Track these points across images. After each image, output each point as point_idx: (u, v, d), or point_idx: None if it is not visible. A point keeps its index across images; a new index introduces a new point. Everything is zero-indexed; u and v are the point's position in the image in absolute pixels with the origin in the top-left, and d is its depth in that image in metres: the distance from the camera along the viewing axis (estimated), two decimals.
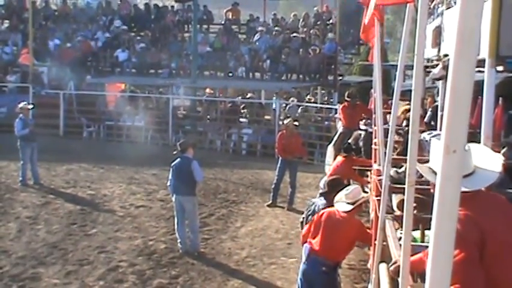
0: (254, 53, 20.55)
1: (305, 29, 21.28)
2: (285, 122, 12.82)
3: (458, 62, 1.33)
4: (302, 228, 6.75)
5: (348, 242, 6.08)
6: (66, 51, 20.78)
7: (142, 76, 20.88)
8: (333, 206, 6.19)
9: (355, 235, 6.03)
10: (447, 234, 1.36)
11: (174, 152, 9.59)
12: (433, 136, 5.25)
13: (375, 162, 7.20)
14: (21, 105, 13.22)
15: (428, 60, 12.48)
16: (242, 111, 19.44)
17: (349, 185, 7.41)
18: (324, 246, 5.93)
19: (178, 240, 9.38)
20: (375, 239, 5.07)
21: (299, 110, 18.19)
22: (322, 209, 6.42)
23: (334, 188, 6.63)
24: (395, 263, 3.72)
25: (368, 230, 6.16)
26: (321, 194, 6.94)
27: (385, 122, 6.89)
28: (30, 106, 13.39)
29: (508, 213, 3.03)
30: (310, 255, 6.02)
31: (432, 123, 10.23)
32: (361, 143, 11.22)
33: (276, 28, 21.39)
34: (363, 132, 11.55)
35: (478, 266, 2.79)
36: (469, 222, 2.79)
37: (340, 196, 6.12)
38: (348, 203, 6.02)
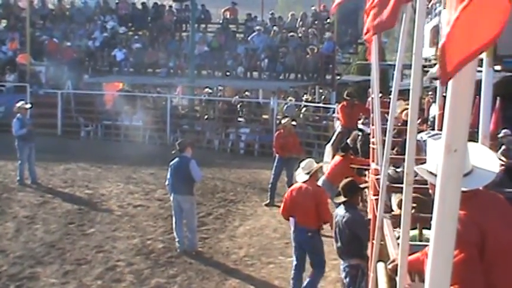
0: (252, 52, 20.53)
1: (303, 29, 21.27)
2: (283, 121, 12.81)
3: None
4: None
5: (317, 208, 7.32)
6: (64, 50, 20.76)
7: (140, 75, 20.84)
8: (354, 210, 6.47)
9: (318, 200, 7.32)
10: (448, 233, 1.36)
11: (172, 152, 9.59)
12: (430, 136, 5.24)
13: (373, 161, 7.19)
14: (19, 104, 13.18)
15: (426, 59, 12.50)
16: (240, 110, 19.42)
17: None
18: (304, 217, 7.32)
19: (176, 240, 9.38)
20: (373, 238, 5.06)
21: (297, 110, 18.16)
22: (342, 218, 6.39)
23: (351, 192, 6.52)
24: (393, 261, 3.71)
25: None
26: (340, 204, 6.64)
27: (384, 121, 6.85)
28: (28, 106, 13.34)
29: (507, 212, 3.01)
30: (296, 225, 7.46)
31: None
32: (358, 144, 11.19)
33: (274, 27, 21.36)
34: (360, 133, 11.52)
35: (478, 266, 2.77)
36: (469, 222, 2.76)
37: (299, 171, 7.65)
38: (306, 174, 7.50)
